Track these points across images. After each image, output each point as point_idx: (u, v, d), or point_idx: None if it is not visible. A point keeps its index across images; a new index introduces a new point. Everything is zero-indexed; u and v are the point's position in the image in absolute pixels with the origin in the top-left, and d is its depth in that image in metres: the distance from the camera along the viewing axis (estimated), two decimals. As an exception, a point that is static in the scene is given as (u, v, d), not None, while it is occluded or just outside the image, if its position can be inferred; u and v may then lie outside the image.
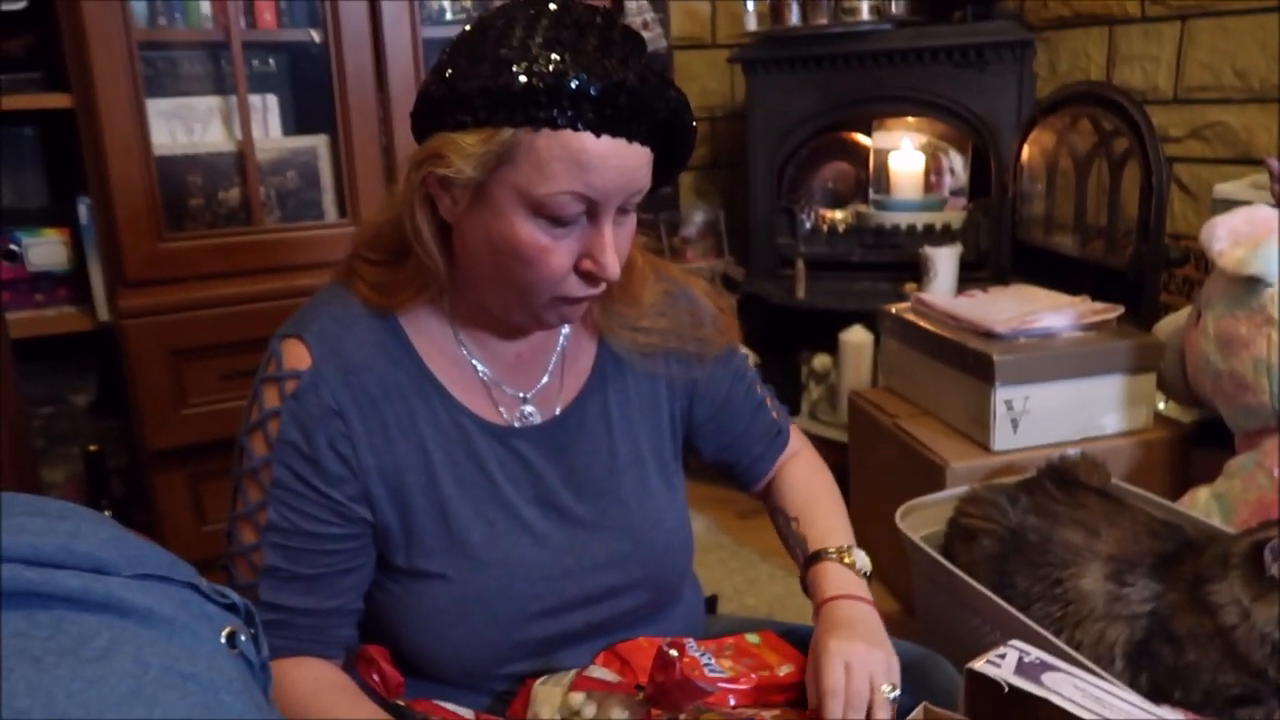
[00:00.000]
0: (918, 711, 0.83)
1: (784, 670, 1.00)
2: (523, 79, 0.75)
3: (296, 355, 0.87)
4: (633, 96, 0.77)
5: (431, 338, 0.91)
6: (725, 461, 1.08)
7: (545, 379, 0.96)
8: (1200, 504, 1.48)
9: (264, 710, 0.54)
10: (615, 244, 0.84)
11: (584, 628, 0.94)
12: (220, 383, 1.76)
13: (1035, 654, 0.93)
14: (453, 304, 0.92)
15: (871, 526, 1.95)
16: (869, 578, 0.99)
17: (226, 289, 1.76)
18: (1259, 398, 1.42)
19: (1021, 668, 0.91)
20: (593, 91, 0.75)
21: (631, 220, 0.87)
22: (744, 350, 1.10)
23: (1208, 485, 1.51)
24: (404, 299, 0.90)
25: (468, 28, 0.83)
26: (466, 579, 0.89)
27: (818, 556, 0.99)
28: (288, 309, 1.60)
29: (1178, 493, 1.58)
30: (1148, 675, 1.18)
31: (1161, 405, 1.80)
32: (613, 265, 0.83)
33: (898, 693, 0.86)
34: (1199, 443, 1.72)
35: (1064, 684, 0.89)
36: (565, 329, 0.98)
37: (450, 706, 0.91)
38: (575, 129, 0.77)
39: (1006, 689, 0.88)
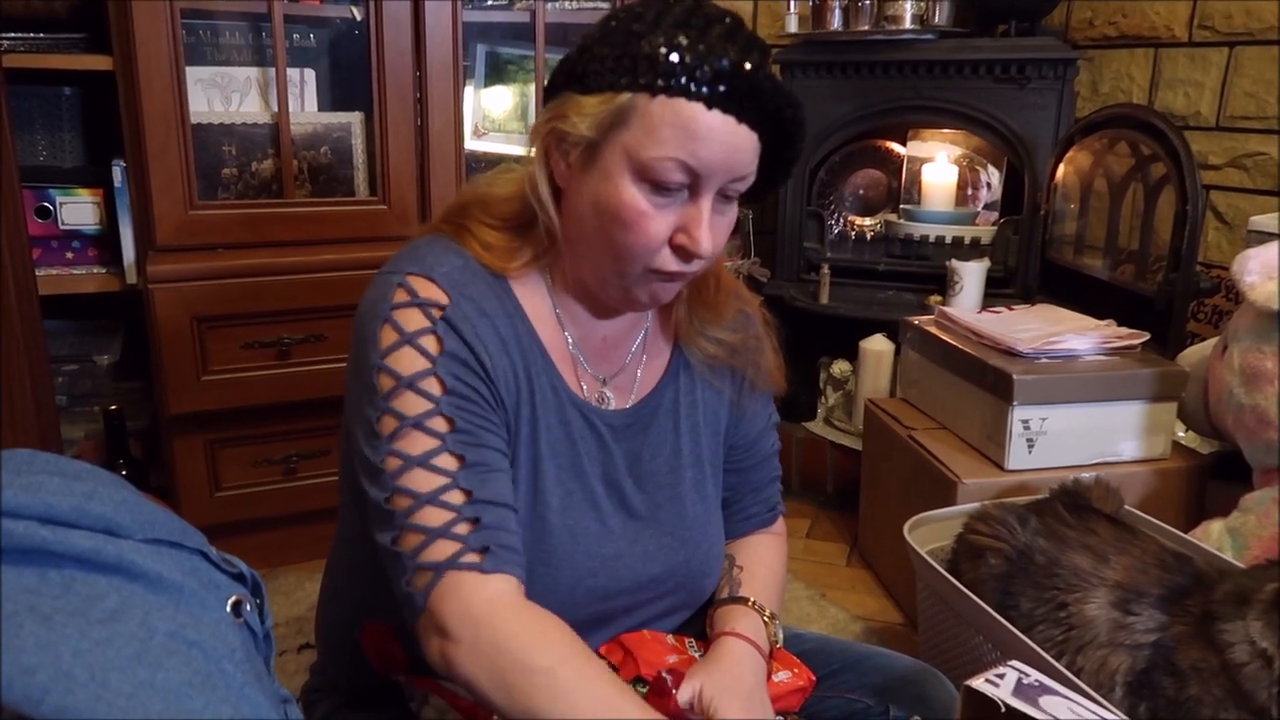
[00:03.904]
0: None
1: (780, 677, 1.00)
2: (647, 48, 0.81)
3: (431, 291, 0.87)
4: (747, 79, 0.81)
5: (535, 304, 0.94)
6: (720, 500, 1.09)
7: (625, 367, 0.99)
8: (1213, 537, 1.46)
9: (264, 680, 0.55)
10: (712, 228, 0.86)
11: (621, 614, 0.95)
12: (242, 351, 1.78)
13: (1035, 676, 0.93)
14: (554, 274, 0.95)
15: (879, 537, 2.00)
16: (772, 655, 0.99)
17: (255, 259, 1.77)
18: None
19: (1020, 689, 0.91)
20: (709, 66, 0.80)
21: (732, 211, 0.89)
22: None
23: (1222, 519, 1.49)
24: (517, 264, 0.92)
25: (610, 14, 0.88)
26: (539, 538, 0.90)
27: (743, 600, 1.01)
28: (314, 283, 1.63)
29: (1191, 524, 1.56)
30: (1147, 705, 1.17)
31: (1180, 434, 1.78)
32: (705, 241, 0.85)
33: None
34: (1216, 475, 1.70)
35: (1061, 708, 0.89)
36: (648, 323, 1.01)
37: (452, 686, 0.91)
38: (688, 98, 0.81)
39: (1003, 709, 0.88)
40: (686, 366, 1.01)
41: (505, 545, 0.83)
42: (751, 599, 1.00)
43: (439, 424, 0.83)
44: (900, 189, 2.48)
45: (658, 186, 0.83)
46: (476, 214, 0.94)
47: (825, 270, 2.36)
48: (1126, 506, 1.45)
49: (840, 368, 2.38)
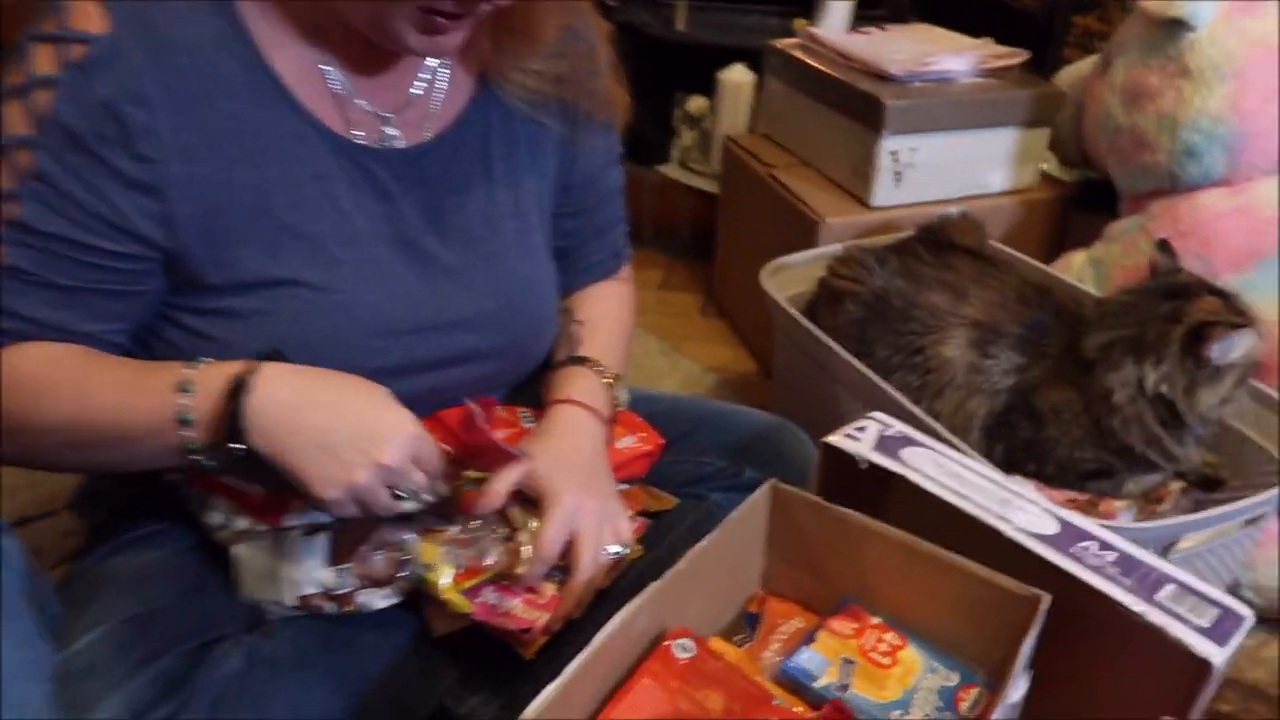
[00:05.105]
0: (764, 490, 0.76)
1: (624, 442, 0.92)
2: None
3: (86, 15, 0.67)
4: None
5: (275, 30, 0.74)
6: (557, 249, 0.95)
7: (413, 99, 0.82)
8: (1075, 268, 1.44)
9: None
10: None
11: (428, 394, 0.82)
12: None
13: (896, 427, 0.88)
14: None
15: (736, 286, 1.97)
16: (614, 421, 0.91)
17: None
18: (1156, 156, 1.35)
19: (881, 443, 0.86)
20: None
21: None
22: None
23: (1084, 249, 1.46)
24: None
25: None
26: (291, 322, 0.74)
27: (582, 361, 0.90)
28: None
29: (1054, 256, 1.53)
30: (1003, 447, 1.15)
31: (1043, 165, 1.73)
32: None
33: (624, 550, 0.81)
34: (1079, 206, 1.67)
35: (924, 460, 0.85)
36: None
37: (234, 481, 0.78)
38: None
39: (864, 465, 0.83)
40: (500, 99, 0.85)
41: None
42: (591, 359, 0.91)
43: (8, 210, 0.69)
44: (764, -106, 2.22)
45: None
46: None
47: (682, -9, 2.15)
48: (990, 241, 1.40)
49: (696, 104, 2.24)
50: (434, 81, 0.82)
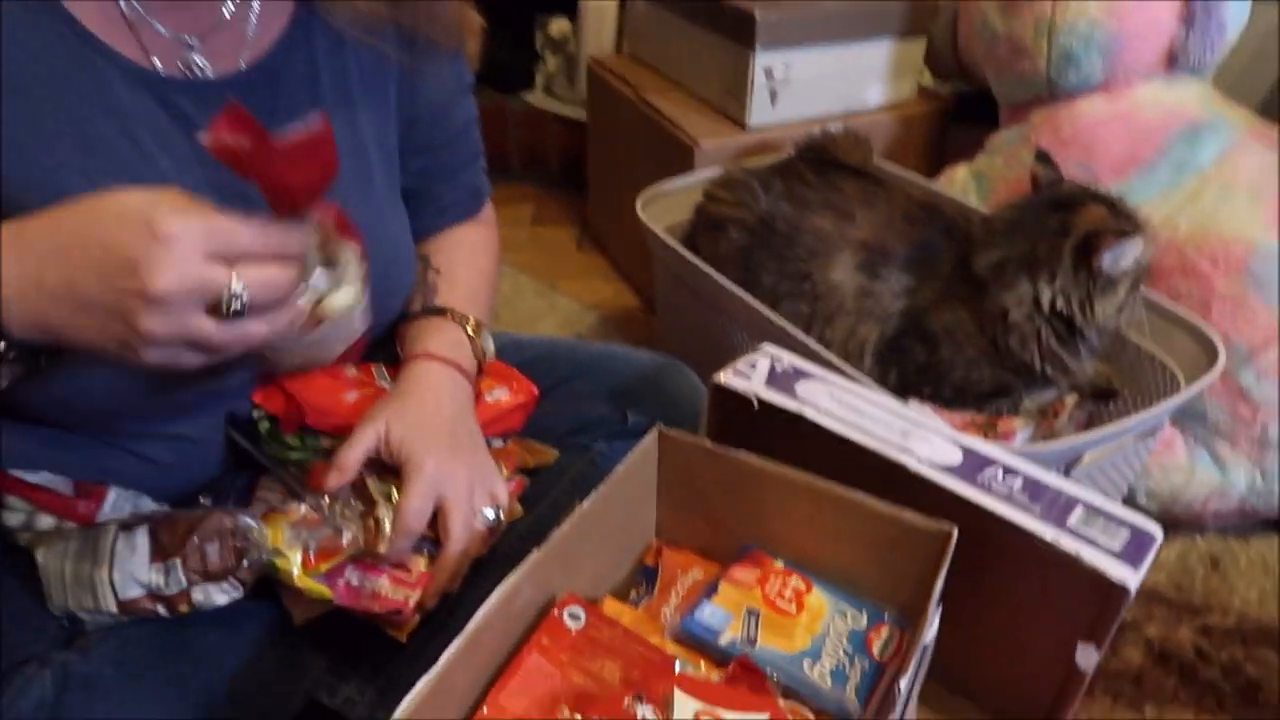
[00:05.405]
0: (651, 437, 0.71)
1: (495, 395, 0.84)
2: None
3: None
4: None
5: None
6: (407, 191, 0.87)
7: (222, 20, 0.71)
8: (958, 182, 1.42)
9: None
10: None
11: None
12: None
13: (788, 360, 0.83)
14: None
15: (612, 218, 1.91)
16: (480, 373, 0.83)
17: None
18: (1035, 63, 1.32)
19: (774, 378, 0.81)
20: None
21: None
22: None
23: (966, 163, 1.44)
24: None
25: None
26: None
27: (440, 311, 0.82)
28: None
29: (935, 171, 1.51)
30: (896, 371, 1.11)
31: (920, 79, 1.70)
32: None
33: (499, 514, 0.75)
34: (956, 118, 1.65)
35: (819, 394, 0.81)
36: None
37: (33, 478, 0.68)
38: None
39: (756, 405, 0.78)
40: (326, 22, 0.74)
41: None
42: (450, 309, 0.82)
43: None
44: None
45: None
46: None
47: (536, -97, 2.02)
48: (875, 159, 1.36)
49: (559, 27, 2.17)
50: (249, 2, 0.71)
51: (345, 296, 0.59)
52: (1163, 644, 1.04)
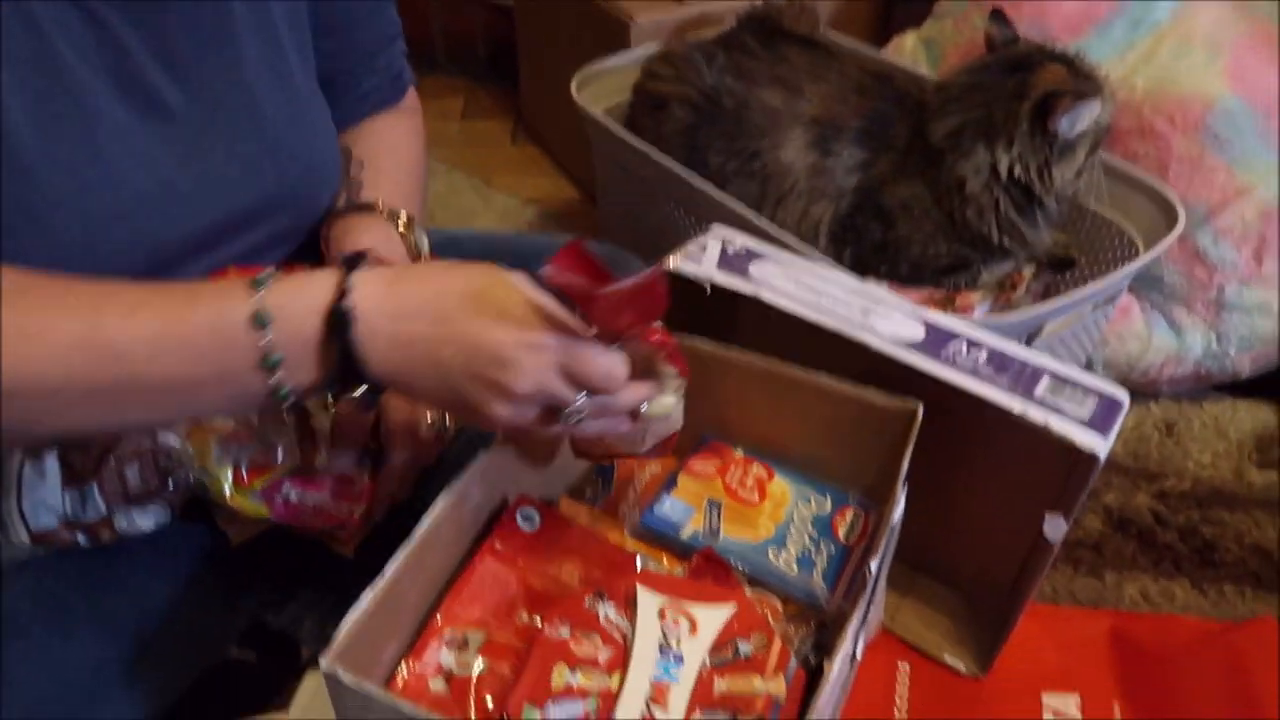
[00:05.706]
0: None
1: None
2: None
3: None
4: None
5: None
6: (322, 77, 0.79)
7: None
8: (907, 50, 1.36)
9: None
10: None
11: (190, 262, 0.65)
12: None
13: (741, 241, 0.80)
14: None
15: (547, 105, 1.81)
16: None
17: None
18: None
19: (725, 260, 0.78)
20: None
21: None
22: None
23: (915, 29, 1.38)
24: None
25: None
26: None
27: (366, 207, 0.76)
28: None
29: (883, 41, 1.45)
30: (851, 250, 1.08)
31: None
32: None
33: (444, 420, 0.72)
34: None
35: (774, 275, 0.78)
36: None
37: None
38: None
39: (709, 290, 0.75)
40: None
41: None
42: (379, 202, 0.76)
43: None
44: None
45: None
46: None
47: None
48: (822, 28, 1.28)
49: None
50: None
51: (663, 405, 0.60)
52: (1121, 511, 1.05)
